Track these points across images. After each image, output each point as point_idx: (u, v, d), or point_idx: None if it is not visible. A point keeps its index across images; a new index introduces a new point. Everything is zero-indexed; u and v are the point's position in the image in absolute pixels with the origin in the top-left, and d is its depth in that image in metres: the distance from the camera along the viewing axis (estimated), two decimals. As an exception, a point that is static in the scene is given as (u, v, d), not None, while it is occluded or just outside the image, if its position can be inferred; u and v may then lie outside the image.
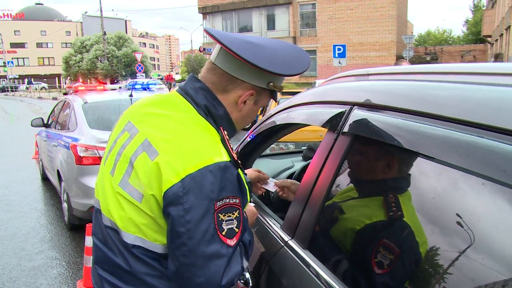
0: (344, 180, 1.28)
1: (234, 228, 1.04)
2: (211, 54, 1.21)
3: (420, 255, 0.92)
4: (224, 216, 1.02)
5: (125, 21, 74.32)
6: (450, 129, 0.86)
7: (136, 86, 5.70)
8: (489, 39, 27.94)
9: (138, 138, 1.11)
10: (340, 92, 1.41)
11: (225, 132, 1.14)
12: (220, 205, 1.01)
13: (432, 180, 0.92)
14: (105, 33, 36.89)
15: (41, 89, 51.40)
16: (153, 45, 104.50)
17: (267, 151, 2.93)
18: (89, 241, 3.04)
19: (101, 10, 36.44)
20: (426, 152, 0.90)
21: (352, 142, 1.20)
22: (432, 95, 0.98)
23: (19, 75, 61.68)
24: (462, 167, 0.80)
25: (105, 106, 5.09)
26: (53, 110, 6.52)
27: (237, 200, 1.05)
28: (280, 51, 1.15)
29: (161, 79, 38.64)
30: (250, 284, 1.43)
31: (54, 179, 5.46)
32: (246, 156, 2.17)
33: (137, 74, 24.18)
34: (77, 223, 4.59)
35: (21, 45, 68.52)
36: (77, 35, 59.53)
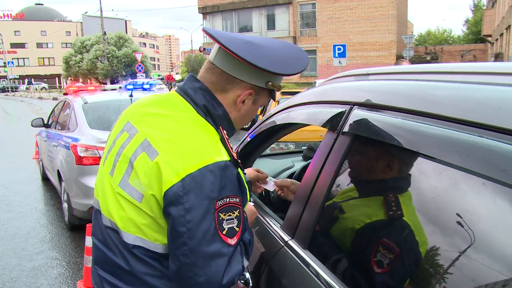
0: (344, 180, 1.28)
1: (235, 227, 1.05)
2: (211, 54, 1.21)
3: (420, 255, 0.92)
4: (224, 215, 1.02)
5: (125, 21, 74.31)
6: (450, 128, 0.86)
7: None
8: (489, 38, 27.94)
9: (137, 138, 1.11)
10: (340, 92, 1.41)
11: (224, 132, 1.14)
12: (220, 204, 1.01)
13: (432, 180, 0.92)
14: (105, 33, 36.88)
15: (41, 89, 51.42)
16: (153, 45, 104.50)
17: (267, 151, 2.93)
18: (89, 241, 3.04)
19: (101, 10, 36.44)
20: (426, 152, 0.90)
21: (352, 142, 1.20)
22: (432, 94, 0.98)
23: (19, 76, 61.70)
24: (462, 167, 0.80)
25: (105, 106, 5.09)
26: (53, 110, 6.52)
27: (237, 199, 1.05)
28: (278, 51, 1.15)
29: (161, 79, 38.66)
30: (250, 284, 1.43)
31: (54, 179, 5.47)
32: (246, 156, 2.17)
33: (137, 74, 24.18)
34: (77, 223, 4.59)
35: (21, 45, 68.53)
36: (77, 35, 59.52)
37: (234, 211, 1.04)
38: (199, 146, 1.05)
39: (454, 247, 0.82)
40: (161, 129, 1.09)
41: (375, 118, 1.11)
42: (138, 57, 25.54)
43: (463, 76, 0.96)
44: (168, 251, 1.07)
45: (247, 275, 1.44)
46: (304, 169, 2.32)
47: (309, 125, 1.59)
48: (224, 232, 1.02)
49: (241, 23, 32.61)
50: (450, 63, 1.13)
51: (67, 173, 4.58)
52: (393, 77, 1.24)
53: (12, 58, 59.60)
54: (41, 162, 7.04)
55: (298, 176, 2.34)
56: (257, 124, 2.06)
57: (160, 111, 1.15)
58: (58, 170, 4.93)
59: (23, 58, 69.35)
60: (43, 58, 71.12)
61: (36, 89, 50.11)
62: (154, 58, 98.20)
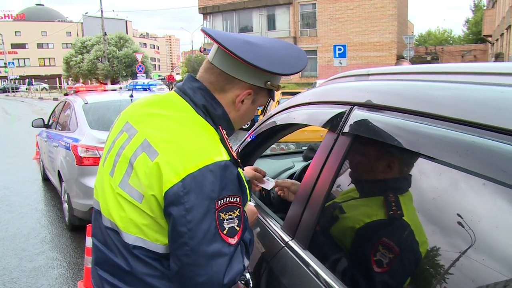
0: (344, 181, 1.28)
1: (235, 226, 1.05)
2: (211, 54, 1.21)
3: (420, 255, 0.92)
4: (225, 215, 1.02)
5: (126, 21, 74.39)
6: (450, 129, 0.86)
7: (137, 87, 5.69)
8: (489, 38, 27.93)
9: (137, 139, 1.11)
10: (341, 92, 1.41)
11: (224, 132, 1.14)
12: (221, 204, 1.02)
13: (432, 180, 0.92)
14: (105, 34, 36.89)
15: (42, 89, 51.44)
16: (154, 45, 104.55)
17: (268, 152, 2.93)
18: (89, 241, 3.04)
19: (101, 11, 36.46)
20: (426, 152, 0.90)
21: (353, 142, 1.20)
22: (432, 95, 0.98)
23: (20, 76, 61.74)
24: (462, 167, 0.80)
25: (105, 107, 5.09)
26: (53, 111, 6.52)
27: (238, 199, 1.06)
28: (277, 50, 1.15)
29: (162, 79, 38.66)
30: (251, 285, 1.43)
31: (54, 180, 5.47)
32: (247, 156, 2.17)
33: (138, 75, 24.21)
34: (78, 223, 4.59)
35: (22, 46, 68.60)
36: (77, 35, 59.58)
37: (235, 211, 1.05)
38: (199, 146, 1.05)
39: (454, 247, 0.82)
40: (161, 129, 1.09)
41: (376, 118, 1.11)
42: (139, 57, 25.56)
43: (463, 77, 0.96)
44: (168, 251, 1.07)
45: (248, 275, 1.44)
46: (304, 169, 2.32)
47: (309, 125, 1.59)
48: (224, 232, 1.02)
49: (242, 24, 32.62)
50: (451, 63, 1.13)
51: (67, 173, 4.58)
52: (393, 77, 1.24)
53: (13, 59, 59.71)
54: (41, 163, 7.04)
55: (299, 176, 2.34)
56: (257, 124, 2.06)
57: (159, 111, 1.15)
58: (58, 171, 4.93)
59: (24, 59, 69.42)
60: (43, 58, 71.18)
61: (37, 90, 50.14)
62: (155, 58, 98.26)
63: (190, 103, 1.15)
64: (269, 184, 1.78)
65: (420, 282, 0.93)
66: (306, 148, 2.82)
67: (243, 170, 1.19)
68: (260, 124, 2.01)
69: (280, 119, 1.80)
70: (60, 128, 5.50)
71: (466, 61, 26.58)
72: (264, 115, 1.91)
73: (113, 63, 40.11)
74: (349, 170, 1.27)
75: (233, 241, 1.04)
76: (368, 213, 1.14)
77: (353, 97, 1.28)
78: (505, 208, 0.74)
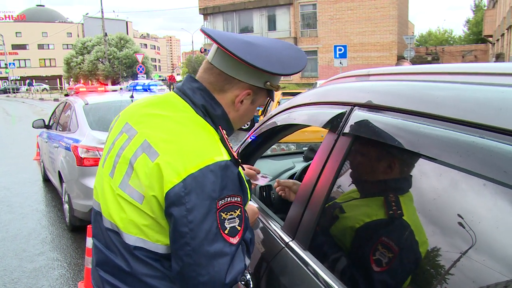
0: (345, 181, 1.28)
1: (236, 226, 1.05)
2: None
3: (419, 255, 0.92)
4: (226, 214, 1.03)
5: (126, 22, 74.47)
6: (451, 129, 0.86)
7: (137, 87, 5.70)
8: (490, 39, 27.92)
9: (137, 140, 1.11)
10: (341, 93, 1.41)
11: (224, 131, 1.14)
12: (222, 204, 1.02)
13: (433, 181, 0.92)
14: (106, 34, 36.93)
15: (43, 90, 51.51)
16: (154, 46, 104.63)
17: (268, 152, 2.93)
18: (89, 242, 3.04)
19: (102, 12, 36.51)
20: (427, 153, 0.90)
21: (353, 143, 1.20)
22: (433, 95, 0.98)
23: (20, 77, 61.86)
24: (463, 168, 0.80)
25: (106, 107, 5.10)
26: (54, 112, 6.53)
27: (239, 199, 1.06)
28: (277, 51, 1.14)
29: (162, 80, 38.67)
30: (251, 286, 1.42)
31: (55, 181, 5.47)
32: (247, 157, 2.17)
33: (138, 75, 24.23)
34: (78, 224, 4.60)
35: (23, 47, 68.68)
36: (78, 36, 59.69)
37: (236, 210, 1.05)
38: (199, 146, 1.05)
39: (455, 247, 0.82)
40: (161, 130, 1.09)
41: (376, 119, 1.10)
42: (139, 58, 25.58)
43: (464, 77, 0.96)
44: (169, 251, 1.07)
45: (248, 276, 1.44)
46: (304, 170, 2.32)
47: (309, 126, 1.59)
48: (226, 232, 1.03)
49: (242, 24, 32.63)
50: (451, 63, 1.13)
51: (68, 174, 4.58)
52: (393, 77, 1.24)
53: (14, 60, 59.85)
54: (42, 164, 7.04)
55: (299, 177, 2.34)
56: (258, 125, 2.06)
57: (159, 112, 1.15)
58: (59, 171, 4.94)
59: (24, 60, 69.49)
60: (44, 59, 71.24)
61: (37, 90, 50.20)
62: (155, 59, 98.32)
63: (189, 103, 1.15)
64: (263, 181, 1.75)
65: (419, 282, 0.93)
66: (306, 148, 2.82)
67: (244, 169, 1.18)
68: (261, 125, 2.00)
69: (280, 120, 1.80)
70: (60, 129, 5.50)
71: (466, 61, 26.58)
72: (264, 116, 1.91)
73: (113, 63, 40.14)
74: (350, 170, 1.26)
75: (234, 240, 1.04)
76: (368, 213, 1.14)
77: (354, 98, 1.28)
78: (506, 209, 0.74)
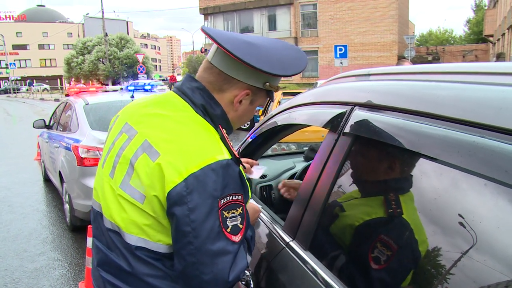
0: (345, 181, 1.28)
1: (238, 224, 1.05)
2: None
3: (419, 253, 0.92)
4: (228, 213, 1.03)
5: (127, 22, 74.49)
6: (451, 129, 0.86)
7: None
8: (491, 38, 27.89)
9: (137, 140, 1.10)
10: (341, 93, 1.40)
11: (224, 131, 1.14)
12: (224, 202, 1.02)
13: (433, 181, 0.92)
14: (106, 35, 36.91)
15: (43, 90, 51.54)
16: (155, 46, 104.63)
17: (269, 152, 2.93)
18: (90, 242, 3.04)
19: (102, 12, 36.49)
20: (427, 152, 0.90)
21: (353, 142, 1.20)
22: (433, 95, 0.97)
23: (21, 77, 61.91)
24: (464, 168, 0.80)
25: (106, 107, 5.10)
26: (54, 112, 6.53)
27: (240, 197, 1.06)
28: (277, 51, 1.14)
29: (163, 80, 38.65)
30: (251, 285, 1.42)
31: (56, 181, 5.47)
32: (248, 156, 2.16)
33: (139, 75, 24.22)
34: (79, 224, 4.60)
35: (23, 47, 68.72)
36: (78, 36, 59.69)
37: (238, 209, 1.05)
38: (200, 145, 1.05)
39: (455, 247, 0.81)
40: (161, 130, 1.09)
41: (376, 118, 1.10)
42: (140, 58, 25.59)
43: (464, 76, 0.96)
44: (170, 251, 1.07)
45: (248, 276, 1.44)
46: (305, 170, 2.32)
47: (310, 125, 1.59)
48: (228, 230, 1.03)
49: (242, 24, 32.63)
50: (452, 63, 1.13)
51: (68, 174, 4.59)
52: (394, 77, 1.23)
53: (14, 60, 59.87)
54: (42, 164, 7.05)
55: (300, 177, 2.34)
56: (258, 124, 2.06)
57: (159, 111, 1.15)
58: (59, 171, 4.94)
59: (25, 60, 69.53)
60: (44, 59, 71.27)
61: (38, 91, 50.23)
62: (156, 59, 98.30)
63: (189, 102, 1.15)
64: (256, 173, 1.71)
65: (419, 280, 0.93)
66: (307, 148, 2.81)
67: (244, 168, 1.19)
68: (261, 125, 2.00)
69: (281, 120, 1.80)
70: (61, 129, 5.50)
71: (467, 61, 26.55)
72: (264, 116, 1.91)
73: (114, 64, 40.12)
74: (350, 170, 1.26)
75: (236, 238, 1.05)
76: (368, 212, 1.14)
77: (354, 97, 1.28)
78: (507, 209, 0.73)
